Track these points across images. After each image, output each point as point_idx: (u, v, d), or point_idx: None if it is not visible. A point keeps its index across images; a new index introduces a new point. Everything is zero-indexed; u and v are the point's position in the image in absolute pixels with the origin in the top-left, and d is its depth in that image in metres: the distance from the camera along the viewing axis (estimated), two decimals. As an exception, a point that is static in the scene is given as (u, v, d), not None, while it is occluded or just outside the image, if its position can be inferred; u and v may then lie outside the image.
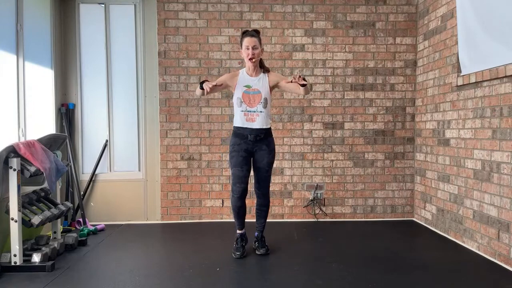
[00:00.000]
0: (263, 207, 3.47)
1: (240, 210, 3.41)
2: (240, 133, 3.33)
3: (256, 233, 3.51)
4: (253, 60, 3.27)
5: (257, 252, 3.43)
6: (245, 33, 3.33)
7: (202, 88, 3.16)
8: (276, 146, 3.46)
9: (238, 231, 3.48)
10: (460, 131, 3.76)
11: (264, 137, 3.34)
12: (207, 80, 3.21)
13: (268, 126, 3.38)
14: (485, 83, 3.38)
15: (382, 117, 4.70)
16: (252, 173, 3.42)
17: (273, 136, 3.45)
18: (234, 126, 3.39)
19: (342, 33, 4.65)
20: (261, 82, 3.35)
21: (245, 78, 3.36)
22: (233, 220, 3.51)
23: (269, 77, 3.39)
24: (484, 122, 3.40)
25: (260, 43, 3.31)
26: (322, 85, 4.67)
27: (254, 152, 3.36)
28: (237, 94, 3.34)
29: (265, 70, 3.43)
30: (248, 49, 3.25)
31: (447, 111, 3.98)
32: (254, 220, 3.55)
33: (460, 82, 3.71)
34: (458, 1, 3.65)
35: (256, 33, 3.33)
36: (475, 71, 3.47)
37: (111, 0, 4.60)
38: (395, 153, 4.72)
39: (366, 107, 4.69)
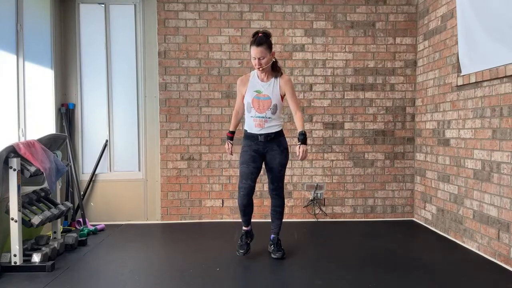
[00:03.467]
0: (278, 208, 3.40)
1: (246, 209, 3.32)
2: (250, 135, 3.31)
3: (272, 236, 3.45)
4: (261, 69, 3.20)
5: (272, 256, 3.36)
6: (252, 41, 3.18)
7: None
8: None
9: (244, 228, 3.43)
10: (460, 131, 3.76)
11: (274, 137, 3.29)
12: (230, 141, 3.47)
13: (278, 129, 3.31)
14: (485, 83, 3.38)
15: (382, 117, 4.70)
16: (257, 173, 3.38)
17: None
18: (244, 129, 3.37)
19: (342, 33, 4.65)
20: (272, 88, 3.26)
21: (256, 82, 3.28)
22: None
23: (281, 83, 3.27)
24: (484, 122, 3.40)
25: (270, 47, 3.18)
26: (322, 85, 4.67)
27: (265, 153, 3.31)
28: (247, 99, 3.27)
29: (278, 73, 3.30)
30: (255, 59, 3.17)
31: (447, 111, 3.98)
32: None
33: (460, 82, 3.71)
34: (458, 1, 3.65)
35: (265, 37, 3.17)
36: (475, 71, 3.47)
37: (111, 0, 4.60)
38: (395, 153, 4.72)
39: (366, 107, 4.69)
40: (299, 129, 3.28)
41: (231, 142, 3.48)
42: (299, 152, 3.22)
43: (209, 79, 4.62)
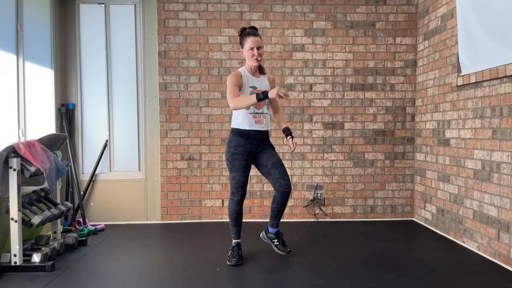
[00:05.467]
0: (284, 205, 3.33)
1: (238, 215, 3.30)
2: (245, 133, 3.21)
3: (274, 230, 3.42)
4: (259, 59, 3.19)
5: (280, 252, 3.37)
6: (246, 32, 3.19)
7: (264, 97, 3.03)
8: (276, 146, 3.46)
9: (234, 240, 3.34)
10: (460, 131, 3.76)
11: (267, 137, 3.33)
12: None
13: (269, 128, 3.38)
14: (485, 83, 3.38)
15: (382, 117, 4.70)
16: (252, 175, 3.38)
17: (273, 135, 3.45)
18: (237, 128, 3.23)
19: (342, 33, 4.65)
20: (264, 84, 3.30)
21: (249, 78, 3.24)
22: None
23: (269, 79, 3.37)
24: (484, 122, 3.40)
25: (261, 41, 3.23)
26: (322, 85, 4.67)
27: (258, 152, 3.27)
28: (245, 95, 3.21)
29: (263, 70, 3.36)
30: (252, 49, 3.14)
31: (447, 111, 3.98)
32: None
33: (460, 82, 3.71)
34: (458, 1, 3.65)
35: (256, 30, 3.23)
36: (475, 71, 3.47)
37: (111, 0, 4.60)
38: (395, 153, 4.72)
39: (366, 107, 4.69)
40: (285, 125, 3.39)
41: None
42: (294, 144, 3.30)
43: (209, 79, 4.62)
